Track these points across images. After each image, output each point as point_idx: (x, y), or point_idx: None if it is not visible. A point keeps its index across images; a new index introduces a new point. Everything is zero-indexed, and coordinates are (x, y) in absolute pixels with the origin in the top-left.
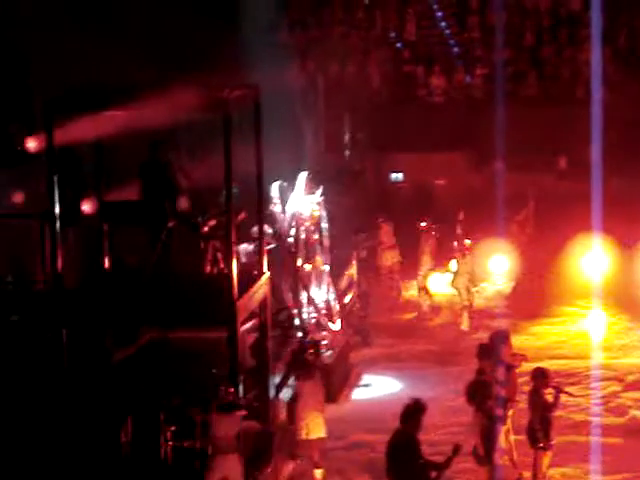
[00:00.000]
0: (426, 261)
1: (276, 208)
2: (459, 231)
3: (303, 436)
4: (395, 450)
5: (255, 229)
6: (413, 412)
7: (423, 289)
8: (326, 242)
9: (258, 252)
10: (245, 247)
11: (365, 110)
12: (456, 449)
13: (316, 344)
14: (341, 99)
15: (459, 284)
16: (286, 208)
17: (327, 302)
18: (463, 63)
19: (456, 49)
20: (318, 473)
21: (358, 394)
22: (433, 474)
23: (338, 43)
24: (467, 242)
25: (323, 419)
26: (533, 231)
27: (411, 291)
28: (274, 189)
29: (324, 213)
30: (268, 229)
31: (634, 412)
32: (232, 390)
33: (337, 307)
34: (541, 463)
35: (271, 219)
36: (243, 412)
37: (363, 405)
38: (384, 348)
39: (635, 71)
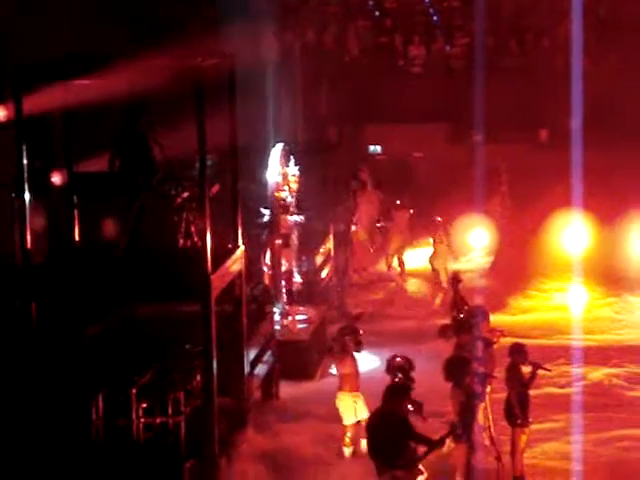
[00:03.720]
0: (397, 239)
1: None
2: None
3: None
4: (380, 430)
5: None
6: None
7: (391, 267)
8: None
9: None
10: None
11: (343, 80)
12: (452, 429)
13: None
14: (318, 69)
15: (439, 265)
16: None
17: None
18: (443, 32)
19: (435, 18)
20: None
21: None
22: (421, 450)
23: (316, 11)
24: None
25: None
26: (511, 204)
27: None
28: (275, 154)
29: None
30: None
31: (613, 385)
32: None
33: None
34: (519, 440)
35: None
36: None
37: None
38: (361, 323)
39: (616, 42)
